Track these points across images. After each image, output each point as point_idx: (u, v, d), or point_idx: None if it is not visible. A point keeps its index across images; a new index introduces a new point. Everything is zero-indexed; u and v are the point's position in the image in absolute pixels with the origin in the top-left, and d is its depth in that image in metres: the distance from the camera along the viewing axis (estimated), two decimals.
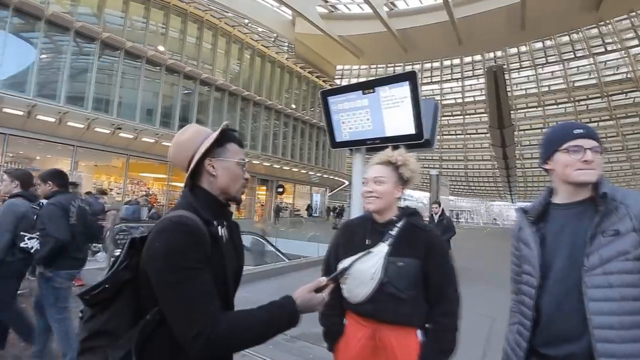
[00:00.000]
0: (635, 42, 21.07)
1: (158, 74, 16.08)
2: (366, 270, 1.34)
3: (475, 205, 55.62)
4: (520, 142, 28.36)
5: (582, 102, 25.51)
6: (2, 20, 11.90)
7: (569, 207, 1.14)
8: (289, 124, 23.93)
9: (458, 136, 32.07)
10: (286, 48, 24.20)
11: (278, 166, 21.77)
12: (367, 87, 3.34)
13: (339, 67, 27.34)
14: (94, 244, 6.60)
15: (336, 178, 28.46)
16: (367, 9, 18.77)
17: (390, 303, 1.31)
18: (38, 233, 2.60)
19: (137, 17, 15.68)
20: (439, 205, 6.32)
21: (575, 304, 1.04)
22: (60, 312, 2.55)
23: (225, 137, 1.05)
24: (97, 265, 5.98)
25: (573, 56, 23.04)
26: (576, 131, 1.13)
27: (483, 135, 28.92)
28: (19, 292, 2.97)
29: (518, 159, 28.44)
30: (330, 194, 30.77)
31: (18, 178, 2.88)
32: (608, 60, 23.21)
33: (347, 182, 32.17)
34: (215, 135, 1.02)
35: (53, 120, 12.41)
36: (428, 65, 26.85)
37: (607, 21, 19.83)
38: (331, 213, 26.79)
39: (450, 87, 28.45)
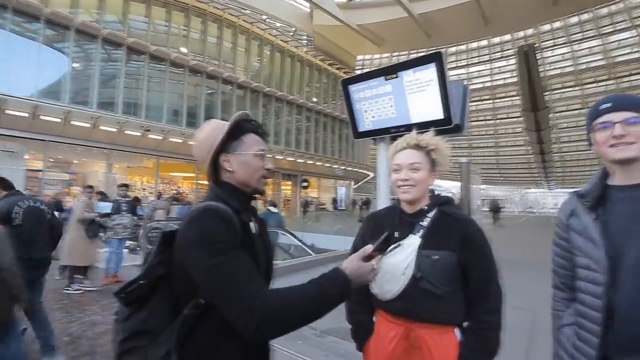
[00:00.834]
0: None
1: (182, 76, 16.49)
2: (397, 265, 1.24)
3: (508, 194, 53.48)
4: (556, 125, 26.76)
5: (625, 79, 23.61)
6: (36, 32, 12.57)
7: (636, 189, 0.99)
8: (311, 117, 23.89)
9: (488, 122, 30.73)
10: (305, 41, 24.07)
11: (302, 160, 21.83)
12: (390, 72, 3.17)
13: (359, 57, 26.87)
14: (131, 241, 6.86)
15: (360, 170, 28.21)
16: None
17: (425, 300, 1.21)
18: None
19: (159, 21, 16.10)
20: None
21: None
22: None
23: (239, 130, 1.03)
24: (136, 263, 6.22)
25: (613, 29, 21.31)
26: (603, 106, 1.03)
27: (515, 119, 27.54)
28: None
29: (554, 143, 26.89)
30: (355, 186, 30.54)
31: None
32: None
33: (371, 174, 31.80)
34: (225, 130, 1.00)
35: (87, 125, 13.05)
36: (453, 50, 25.82)
37: None
38: (357, 205, 26.59)
39: (478, 71, 27.23)
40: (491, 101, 28.47)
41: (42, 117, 12.13)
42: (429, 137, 1.33)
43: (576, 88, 25.14)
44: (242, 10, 18.86)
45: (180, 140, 15.47)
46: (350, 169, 27.26)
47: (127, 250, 6.94)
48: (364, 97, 3.50)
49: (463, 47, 25.48)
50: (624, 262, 0.96)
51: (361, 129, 3.65)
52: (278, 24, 21.44)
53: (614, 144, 0.98)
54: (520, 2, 17.70)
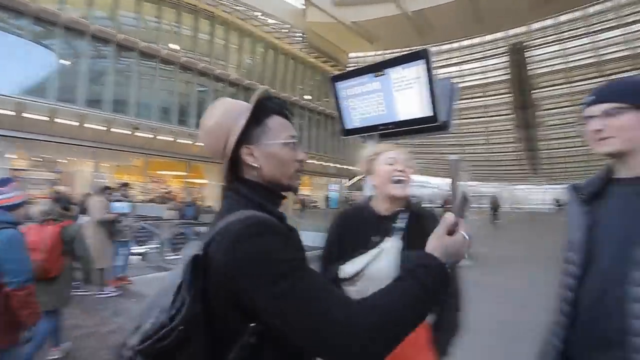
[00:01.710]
0: None
1: (173, 73, 16.29)
2: (382, 270, 1.21)
3: (498, 191, 54.01)
4: (545, 123, 27.09)
5: (615, 76, 23.96)
6: (22, 28, 12.29)
7: (635, 183, 0.93)
8: (304, 115, 23.83)
9: (479, 119, 30.95)
10: (299, 39, 23.96)
11: None
12: (378, 69, 3.13)
13: (352, 54, 26.85)
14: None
15: (354, 168, 28.24)
16: None
17: None
18: None
19: (149, 17, 15.86)
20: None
21: (615, 303, 0.87)
22: None
23: (262, 111, 0.79)
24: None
25: (601, 28, 21.59)
26: (587, 99, 0.99)
27: (505, 117, 27.82)
28: None
29: (543, 141, 27.23)
30: (348, 184, 30.59)
31: None
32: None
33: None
34: (247, 115, 0.77)
35: (74, 123, 12.81)
36: (445, 47, 25.93)
37: None
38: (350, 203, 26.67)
39: (470, 69, 27.41)
40: (482, 99, 28.67)
41: (27, 115, 11.87)
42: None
43: (565, 86, 25.45)
44: (235, 7, 18.69)
45: (171, 139, 15.31)
46: (343, 166, 27.28)
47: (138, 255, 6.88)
48: (353, 94, 3.46)
49: (455, 44, 25.59)
50: (599, 258, 0.94)
51: (349, 126, 3.61)
52: (271, 21, 21.31)
53: (598, 139, 0.95)
54: (512, 0, 17.82)
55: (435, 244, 0.75)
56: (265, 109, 0.79)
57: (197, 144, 16.34)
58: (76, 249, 2.89)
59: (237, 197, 0.77)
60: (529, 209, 34.38)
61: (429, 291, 0.69)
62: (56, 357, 2.92)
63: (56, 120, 12.54)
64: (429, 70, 3.03)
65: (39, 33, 12.92)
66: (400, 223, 1.29)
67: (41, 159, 13.61)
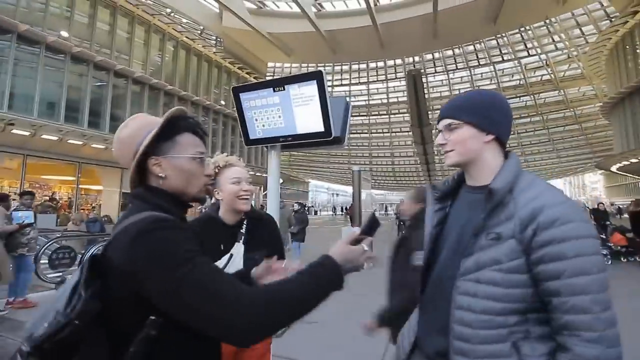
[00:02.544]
0: (525, 53, 24.66)
1: (62, 63, 14.23)
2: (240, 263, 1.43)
3: (403, 199, 59.35)
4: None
5: None
6: None
7: (475, 192, 0.97)
8: (219, 120, 23.08)
9: (385, 134, 34.12)
10: (214, 42, 23.23)
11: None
12: (278, 84, 3.43)
13: (270, 64, 27.10)
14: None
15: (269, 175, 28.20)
16: (296, 8, 18.93)
17: None
18: None
19: None
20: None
21: (444, 304, 0.92)
22: None
23: (173, 128, 0.87)
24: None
25: (477, 64, 26.09)
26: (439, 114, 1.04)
27: (407, 133, 31.19)
28: None
29: (437, 155, 31.30)
30: (264, 192, 30.41)
31: None
32: (505, 68, 26.80)
33: (281, 180, 32.09)
34: (156, 129, 0.84)
35: None
36: (356, 67, 28.07)
37: (503, 34, 22.85)
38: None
39: (377, 88, 30.14)
40: (387, 116, 31.73)
41: None
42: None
43: None
44: (143, 0, 17.30)
45: (56, 138, 13.28)
46: (259, 174, 27.08)
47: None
48: (255, 105, 3.68)
49: (364, 65, 27.91)
50: (438, 259, 1.00)
51: (252, 136, 3.80)
52: (184, 20, 20.26)
53: (442, 152, 1.00)
54: (409, 32, 20.32)
55: (336, 249, 0.86)
56: (177, 126, 0.87)
57: (92, 145, 14.50)
58: None
59: (141, 202, 0.83)
60: None
61: (318, 287, 0.78)
62: None
63: None
64: (321, 90, 3.43)
65: None
66: (243, 229, 1.51)
67: None
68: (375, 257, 0.90)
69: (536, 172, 36.70)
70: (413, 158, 33.99)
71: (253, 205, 1.67)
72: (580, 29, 21.81)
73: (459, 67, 26.69)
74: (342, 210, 33.16)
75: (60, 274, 5.50)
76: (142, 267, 0.69)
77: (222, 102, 23.42)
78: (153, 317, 0.71)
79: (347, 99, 4.69)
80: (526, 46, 24.27)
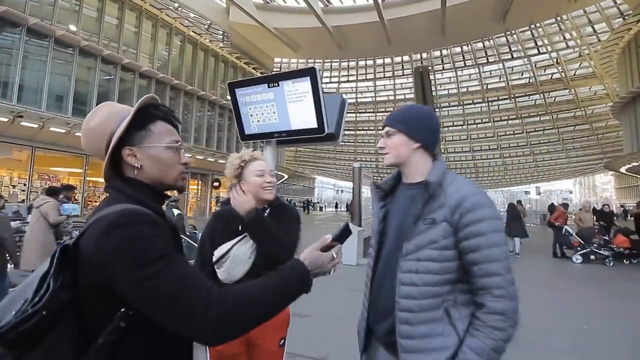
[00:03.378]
0: (535, 51, 24.24)
1: (70, 56, 14.42)
2: (244, 252, 1.51)
3: None
4: (444, 138, 31.01)
5: (494, 103, 28.71)
6: None
7: (410, 188, 1.16)
8: (225, 115, 23.18)
9: None
10: (221, 37, 23.28)
11: (212, 159, 21.02)
12: (272, 80, 3.45)
13: (277, 59, 27.08)
14: None
15: (276, 172, 28.29)
16: (303, 3, 18.85)
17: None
18: None
19: None
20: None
21: (392, 284, 1.07)
22: None
23: (145, 117, 0.86)
24: None
25: (486, 61, 25.73)
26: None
27: None
28: None
29: (443, 153, 31.09)
30: None
31: None
32: (515, 66, 26.40)
33: (286, 176, 32.23)
34: (129, 118, 0.82)
35: None
36: (362, 63, 27.89)
37: (513, 31, 22.48)
38: None
39: (384, 85, 29.92)
40: None
41: None
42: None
43: (459, 107, 29.59)
44: None
45: (64, 130, 13.49)
46: None
47: None
48: (250, 101, 3.71)
49: (371, 62, 27.72)
50: (383, 249, 1.17)
51: (248, 131, 3.83)
52: (192, 15, 20.33)
53: (383, 153, 1.20)
54: (417, 28, 20.11)
55: (306, 254, 0.88)
56: (149, 115, 0.86)
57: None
58: None
59: (117, 193, 0.81)
60: None
61: (286, 290, 0.80)
62: None
63: None
64: (314, 86, 3.44)
65: None
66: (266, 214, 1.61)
67: None
68: (340, 264, 0.96)
69: (545, 172, 36.26)
70: None
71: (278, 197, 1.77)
72: (592, 27, 21.35)
73: (467, 65, 26.35)
74: (346, 207, 33.42)
75: None
76: (111, 260, 0.68)
77: (228, 97, 23.44)
78: (123, 309, 0.71)
79: (345, 95, 4.68)
80: (536, 44, 23.85)
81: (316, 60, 26.14)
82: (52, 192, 5.03)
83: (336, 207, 49.80)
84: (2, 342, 0.63)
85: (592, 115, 27.39)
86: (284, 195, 41.59)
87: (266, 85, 3.66)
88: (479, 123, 30.62)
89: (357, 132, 33.87)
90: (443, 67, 27.01)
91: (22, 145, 13.45)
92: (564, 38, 23.15)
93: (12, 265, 4.33)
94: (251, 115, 3.75)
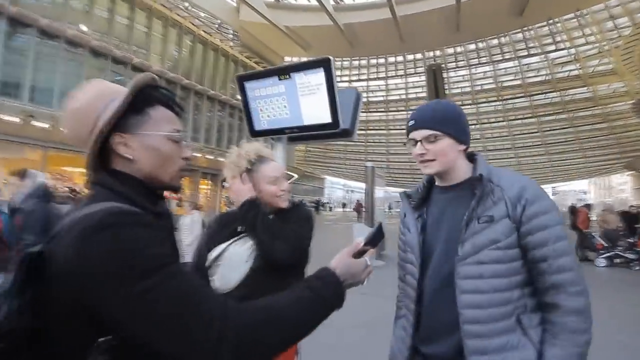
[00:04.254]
0: (553, 47, 23.52)
1: (81, 57, 14.50)
2: (242, 253, 1.30)
3: None
4: None
5: (510, 101, 27.98)
6: None
7: (448, 191, 1.07)
8: (235, 115, 23.16)
9: (403, 131, 33.40)
10: (231, 36, 23.25)
11: (223, 159, 20.98)
12: (283, 72, 3.17)
13: (287, 58, 26.96)
14: None
15: (290, 173, 28.20)
16: (314, 1, 18.65)
17: (264, 284, 1.25)
18: None
19: None
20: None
21: (449, 295, 0.96)
22: None
23: (145, 99, 0.70)
24: None
25: (501, 58, 25.09)
26: (409, 123, 1.08)
27: None
28: None
29: None
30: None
31: None
32: (531, 63, 25.68)
33: (296, 176, 32.05)
34: (122, 98, 0.67)
35: None
36: (374, 61, 27.54)
37: (530, 27, 21.84)
38: None
39: (395, 84, 29.54)
40: (406, 112, 31.08)
41: None
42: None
43: (472, 106, 28.95)
44: None
45: None
46: None
47: None
48: (260, 95, 3.47)
49: (382, 60, 27.34)
50: (431, 258, 1.04)
51: (257, 127, 3.60)
52: (202, 14, 20.33)
53: (420, 161, 1.06)
54: (430, 25, 19.69)
55: (337, 262, 0.75)
56: (149, 97, 0.71)
57: None
58: None
59: (103, 190, 0.65)
60: None
61: (321, 303, 0.67)
62: None
63: None
64: (329, 78, 3.16)
65: None
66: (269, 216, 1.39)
67: None
68: (371, 271, 0.82)
69: (561, 172, 35.39)
70: None
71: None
72: (614, 22, 20.57)
73: (481, 62, 25.75)
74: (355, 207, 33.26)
75: None
76: (94, 272, 0.52)
77: (239, 97, 23.45)
78: (106, 338, 0.55)
79: (358, 91, 4.39)
80: (554, 40, 23.12)
81: None
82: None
83: (343, 206, 49.67)
84: None
85: (610, 113, 26.46)
86: (295, 195, 41.50)
87: (277, 77, 3.41)
88: (493, 122, 29.91)
89: (368, 132, 33.49)
90: (456, 64, 26.45)
91: (35, 145, 13.56)
92: (584, 34, 22.39)
93: None
94: (261, 110, 3.50)
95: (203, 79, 20.52)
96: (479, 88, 27.90)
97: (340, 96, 3.42)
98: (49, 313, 0.54)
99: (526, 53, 24.44)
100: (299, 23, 21.13)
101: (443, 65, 23.29)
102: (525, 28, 21.96)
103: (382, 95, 30.58)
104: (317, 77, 3.16)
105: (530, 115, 28.18)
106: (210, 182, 22.68)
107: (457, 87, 28.34)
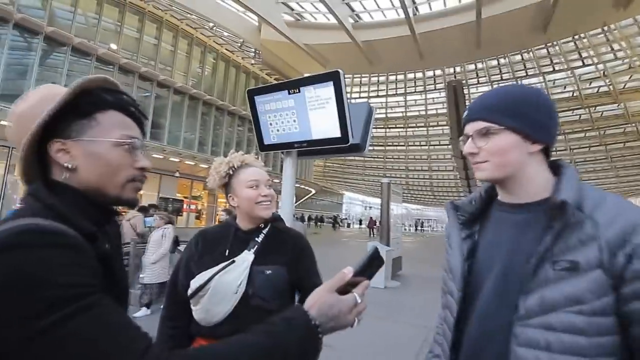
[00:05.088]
0: (579, 63, 22.81)
1: (110, 74, 15.22)
2: (230, 283, 1.16)
3: (441, 215, 57.80)
4: None
5: None
6: None
7: (516, 211, 0.78)
8: (253, 129, 23.53)
9: (422, 147, 33.04)
10: (252, 54, 23.93)
11: None
12: (293, 86, 3.12)
13: (306, 75, 27.38)
14: None
15: (303, 186, 28.25)
16: (333, 20, 18.97)
17: (255, 317, 1.12)
18: None
19: (89, 13, 14.83)
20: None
21: (498, 356, 0.71)
22: None
23: (92, 103, 0.63)
24: None
25: (525, 74, 24.53)
26: (464, 115, 0.84)
27: (445, 147, 29.97)
28: None
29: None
30: (297, 203, 30.45)
31: None
32: (556, 79, 24.94)
33: (314, 191, 32.09)
34: (60, 98, 0.60)
35: None
36: (393, 78, 27.54)
37: (555, 42, 21.33)
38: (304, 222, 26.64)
39: (415, 100, 29.33)
40: (425, 128, 30.71)
41: None
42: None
43: None
44: (187, 15, 18.22)
45: None
46: (300, 186, 27.22)
47: None
48: (269, 109, 3.44)
49: (401, 76, 27.30)
50: (477, 297, 0.78)
51: (267, 141, 3.57)
52: (225, 33, 21.08)
53: (472, 162, 0.81)
54: (449, 41, 19.55)
55: (315, 299, 0.61)
56: (100, 101, 0.64)
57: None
58: None
59: (33, 203, 0.57)
60: None
61: (282, 354, 0.53)
62: None
63: None
64: (338, 92, 3.09)
65: None
66: (259, 238, 1.26)
67: None
68: (364, 310, 0.63)
69: None
70: (452, 173, 32.52)
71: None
72: None
73: (504, 78, 25.23)
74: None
75: None
76: None
77: None
78: None
79: (371, 105, 4.28)
80: (580, 55, 22.43)
81: (345, 75, 26.11)
82: (142, 209, 6.36)
83: (360, 223, 49.14)
84: None
85: None
86: (312, 211, 41.44)
87: (286, 91, 3.37)
88: None
89: (387, 148, 33.23)
90: (478, 80, 26.03)
91: None
92: (612, 49, 21.63)
93: None
94: (270, 124, 3.46)
95: (224, 95, 21.07)
96: None
97: (351, 110, 3.33)
98: None
99: (551, 69, 23.80)
100: (318, 41, 21.50)
101: (464, 82, 22.95)
102: (550, 44, 21.46)
103: (401, 112, 30.40)
104: (327, 90, 3.09)
105: (557, 132, 27.23)
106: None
107: None
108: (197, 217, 20.25)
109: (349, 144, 3.23)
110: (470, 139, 0.80)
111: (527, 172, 0.77)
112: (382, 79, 27.60)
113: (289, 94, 3.39)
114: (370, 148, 3.85)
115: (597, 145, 27.21)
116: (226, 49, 21.33)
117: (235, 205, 1.30)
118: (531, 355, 0.65)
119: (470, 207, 0.88)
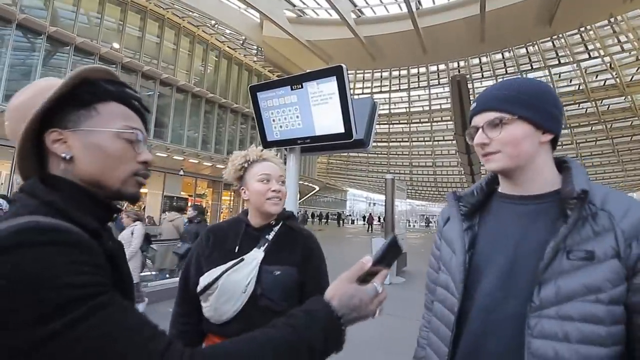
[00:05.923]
0: (585, 55, 22.51)
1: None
2: (239, 282, 1.14)
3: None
4: None
5: None
6: None
7: (522, 202, 0.78)
8: (256, 127, 23.54)
9: (426, 143, 32.88)
10: (254, 51, 23.88)
11: None
12: (295, 82, 3.08)
13: (308, 71, 27.28)
14: None
15: (306, 183, 28.26)
16: (335, 15, 18.84)
17: (263, 317, 1.10)
18: None
19: (92, 13, 14.87)
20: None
21: (510, 354, 0.68)
22: None
23: (92, 93, 0.59)
24: None
25: (530, 68, 24.25)
26: (472, 107, 0.84)
27: (450, 142, 29.79)
28: None
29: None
30: (300, 200, 30.49)
31: None
32: (562, 72, 24.65)
33: (317, 188, 32.08)
34: (63, 84, 0.56)
35: None
36: (396, 73, 27.36)
37: (560, 35, 21.05)
38: (307, 219, 26.66)
39: (418, 95, 29.15)
40: (429, 124, 30.52)
41: None
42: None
43: None
44: (189, 13, 18.20)
45: None
46: (303, 183, 27.23)
47: None
48: (272, 105, 3.41)
49: (405, 71, 27.11)
50: (478, 290, 0.76)
51: (270, 138, 3.54)
52: (227, 31, 21.04)
53: (482, 154, 0.81)
54: (453, 35, 19.36)
55: (335, 289, 0.59)
56: (100, 91, 0.60)
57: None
58: None
59: (29, 200, 0.53)
60: None
61: (305, 348, 0.51)
62: None
63: None
64: (341, 87, 3.04)
65: None
66: (269, 235, 1.24)
67: None
68: (382, 300, 0.62)
69: None
70: (457, 168, 32.34)
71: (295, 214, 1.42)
72: None
73: (509, 72, 24.97)
74: (378, 220, 32.84)
75: None
76: None
77: None
78: None
79: (373, 100, 4.23)
80: (587, 48, 22.12)
81: (348, 72, 25.98)
82: (179, 209, 6.67)
83: (364, 219, 49.32)
84: None
85: None
86: (316, 208, 41.46)
87: (289, 87, 3.33)
88: None
89: (391, 144, 33.09)
90: (482, 74, 25.79)
91: None
92: (619, 41, 21.30)
93: None
94: (273, 121, 3.42)
95: (227, 93, 21.08)
96: None
97: (355, 105, 3.28)
98: None
99: (557, 62, 23.50)
100: (320, 37, 21.38)
101: (468, 76, 22.73)
102: (555, 36, 21.17)
103: (405, 107, 30.23)
104: (330, 86, 3.04)
105: (562, 126, 26.92)
106: (232, 193, 23.00)
107: None
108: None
109: (353, 139, 3.20)
110: (480, 130, 0.79)
111: (537, 162, 0.77)
112: (385, 74, 27.43)
113: (292, 89, 3.35)
114: (374, 144, 3.81)
115: (604, 139, 26.90)
116: (228, 47, 21.30)
117: (246, 198, 1.28)
118: (549, 347, 0.64)
119: (472, 198, 0.87)
